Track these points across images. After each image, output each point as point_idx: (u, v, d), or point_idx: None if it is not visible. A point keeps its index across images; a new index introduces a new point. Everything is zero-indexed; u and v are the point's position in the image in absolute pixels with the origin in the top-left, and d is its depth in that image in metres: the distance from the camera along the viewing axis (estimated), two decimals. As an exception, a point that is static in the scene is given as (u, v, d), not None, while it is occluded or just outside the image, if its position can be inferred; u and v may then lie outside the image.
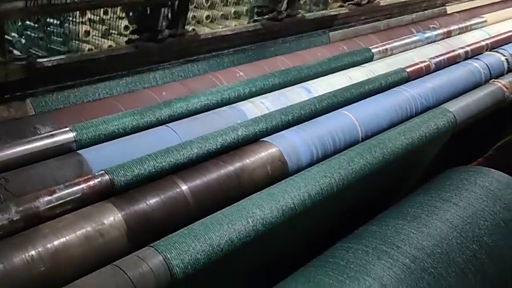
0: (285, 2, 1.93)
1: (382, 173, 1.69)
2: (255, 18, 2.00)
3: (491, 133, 2.92)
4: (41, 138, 1.22)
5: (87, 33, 2.19)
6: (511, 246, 1.57)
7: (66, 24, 2.01)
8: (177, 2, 1.55)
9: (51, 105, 1.46)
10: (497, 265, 1.51)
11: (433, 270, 1.36)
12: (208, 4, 2.47)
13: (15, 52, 1.44)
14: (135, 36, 1.67)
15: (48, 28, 2.02)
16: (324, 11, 2.31)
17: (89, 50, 2.11)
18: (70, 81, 1.48)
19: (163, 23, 1.59)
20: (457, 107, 1.98)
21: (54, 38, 2.07)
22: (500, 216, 1.61)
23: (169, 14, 1.60)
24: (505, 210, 1.61)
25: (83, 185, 1.11)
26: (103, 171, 1.16)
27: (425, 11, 2.85)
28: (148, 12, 1.58)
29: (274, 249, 1.40)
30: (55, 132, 1.24)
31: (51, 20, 2.04)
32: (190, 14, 2.10)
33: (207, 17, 2.40)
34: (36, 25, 2.06)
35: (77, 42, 2.12)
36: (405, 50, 2.45)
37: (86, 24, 2.20)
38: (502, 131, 2.96)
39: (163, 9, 1.56)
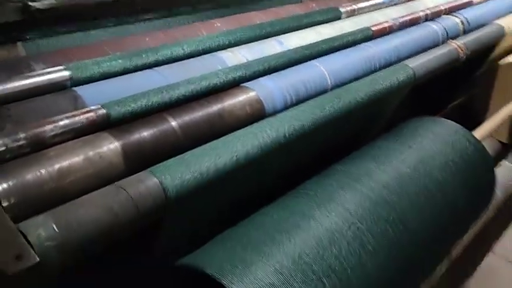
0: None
1: (349, 120, 1.87)
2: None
3: (447, 93, 3.17)
4: (38, 75, 1.31)
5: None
6: (459, 181, 1.79)
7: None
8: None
9: (42, 48, 1.52)
10: (446, 197, 1.73)
11: (388, 198, 1.56)
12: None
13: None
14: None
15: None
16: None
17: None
18: (62, 26, 1.54)
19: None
20: (417, 63, 2.17)
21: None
22: (449, 157, 1.83)
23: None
24: (453, 152, 1.83)
25: (82, 117, 1.22)
26: (99, 106, 1.27)
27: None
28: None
29: (254, 182, 1.56)
30: (51, 69, 1.33)
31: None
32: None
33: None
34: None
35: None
36: (370, 11, 2.61)
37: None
38: (456, 91, 3.22)
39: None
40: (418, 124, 2.02)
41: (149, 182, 1.16)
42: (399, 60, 2.20)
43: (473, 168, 1.88)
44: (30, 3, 1.42)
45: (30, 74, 1.31)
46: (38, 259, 0.89)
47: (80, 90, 1.35)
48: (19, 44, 1.46)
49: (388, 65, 2.18)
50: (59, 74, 1.34)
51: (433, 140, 1.89)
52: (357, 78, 2.00)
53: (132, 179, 1.16)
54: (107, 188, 1.11)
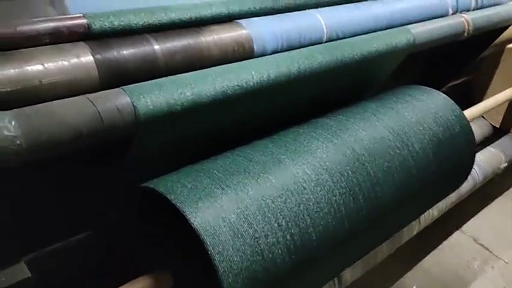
0: None
1: (339, 77, 1.84)
2: None
3: (449, 70, 3.12)
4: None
5: None
6: (435, 154, 1.80)
7: None
8: None
9: None
10: (419, 167, 1.74)
11: (364, 158, 1.57)
12: None
13: None
14: None
15: None
16: None
17: None
18: None
19: None
20: (419, 30, 2.12)
21: None
22: (431, 129, 1.83)
23: None
24: (434, 123, 1.82)
25: (61, 23, 1.19)
26: (81, 14, 1.23)
27: None
28: None
29: (230, 121, 1.55)
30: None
31: None
32: None
33: None
34: None
35: None
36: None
37: None
38: (459, 70, 3.17)
39: None
40: (406, 90, 2.00)
41: (121, 100, 1.15)
42: (402, 25, 2.15)
43: (453, 143, 1.88)
44: None
45: (14, -28, 1.26)
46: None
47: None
48: None
49: (389, 27, 2.13)
50: (46, -25, 1.30)
51: (418, 107, 1.88)
52: (354, 36, 1.95)
53: (103, 93, 1.15)
54: (76, 99, 1.10)
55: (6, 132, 0.96)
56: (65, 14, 1.25)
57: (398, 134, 1.71)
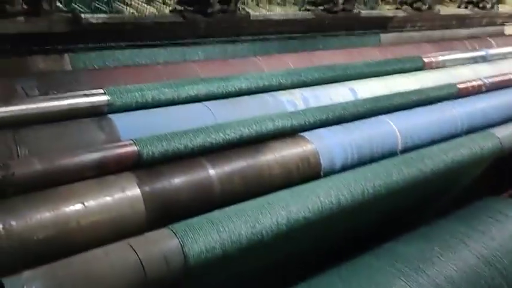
0: (343, -5, 1.83)
1: (417, 190, 1.60)
2: (307, 7, 1.90)
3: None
4: (74, 97, 1.18)
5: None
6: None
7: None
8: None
9: (89, 64, 1.41)
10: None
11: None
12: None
13: (59, 5, 1.38)
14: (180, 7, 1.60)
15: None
16: (379, 11, 2.19)
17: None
18: (112, 42, 1.43)
19: (216, -1, 1.51)
20: (505, 133, 1.86)
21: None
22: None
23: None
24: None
25: (108, 153, 1.06)
26: (132, 141, 1.11)
27: (483, 28, 2.69)
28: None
29: (291, 251, 1.34)
30: (89, 92, 1.19)
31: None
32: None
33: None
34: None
35: (120, 4, 2.04)
36: (458, 65, 2.32)
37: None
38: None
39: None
40: (497, 206, 1.70)
41: (169, 244, 0.97)
42: (485, 127, 1.90)
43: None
44: (82, 16, 1.31)
45: (66, 94, 1.18)
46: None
47: (117, 118, 1.20)
48: (66, 55, 1.35)
49: (471, 131, 1.88)
50: (98, 98, 1.21)
51: (506, 225, 1.58)
52: (432, 143, 1.72)
53: (148, 236, 0.97)
54: (115, 246, 0.93)
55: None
56: (115, 139, 1.13)
57: (489, 262, 1.42)
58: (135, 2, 2.22)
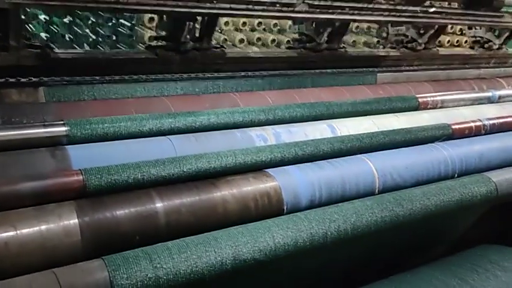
0: (325, 35, 1.83)
1: (394, 234, 1.51)
2: (290, 45, 1.92)
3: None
4: (32, 127, 1.22)
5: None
6: None
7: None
8: (206, 18, 1.52)
9: (63, 96, 1.47)
10: None
11: None
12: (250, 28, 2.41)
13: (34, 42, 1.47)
14: (156, 43, 1.66)
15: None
16: (370, 50, 2.18)
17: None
18: (85, 76, 1.49)
19: (188, 36, 1.56)
20: (502, 178, 1.75)
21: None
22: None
23: (198, 29, 1.57)
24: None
25: (51, 181, 1.07)
26: (79, 170, 1.12)
27: (492, 69, 2.61)
28: (174, 23, 1.57)
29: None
30: (48, 123, 1.24)
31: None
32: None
33: (241, 40, 2.34)
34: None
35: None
36: (459, 106, 2.25)
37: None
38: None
39: (187, 23, 1.53)
40: (485, 253, 1.58)
41: (96, 276, 0.96)
42: (478, 171, 1.79)
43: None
44: (54, 51, 1.38)
45: (26, 124, 1.22)
46: None
47: (73, 149, 1.23)
48: (41, 89, 1.41)
49: (465, 174, 1.78)
50: (57, 128, 1.24)
51: (500, 279, 1.46)
52: (418, 184, 1.64)
53: (76, 267, 0.96)
54: (40, 274, 0.93)
55: None
56: (65, 168, 1.15)
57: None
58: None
